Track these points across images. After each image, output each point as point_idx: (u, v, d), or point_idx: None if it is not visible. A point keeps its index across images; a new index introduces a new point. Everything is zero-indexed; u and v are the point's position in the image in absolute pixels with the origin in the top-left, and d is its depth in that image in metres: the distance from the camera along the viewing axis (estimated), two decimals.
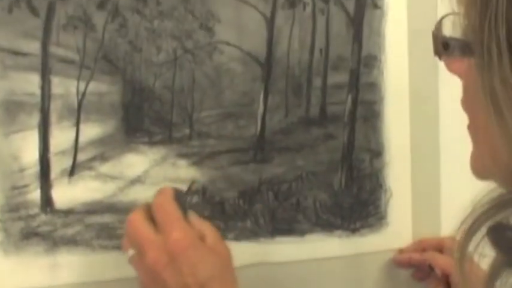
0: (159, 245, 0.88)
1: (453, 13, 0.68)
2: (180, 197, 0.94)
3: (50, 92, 1.01)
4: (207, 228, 0.94)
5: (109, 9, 1.02)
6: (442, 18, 0.71)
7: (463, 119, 1.09)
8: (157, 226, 0.90)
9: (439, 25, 0.71)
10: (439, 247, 1.15)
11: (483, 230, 0.71)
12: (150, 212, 0.92)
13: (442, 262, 1.12)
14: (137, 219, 0.91)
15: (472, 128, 0.73)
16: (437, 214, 1.20)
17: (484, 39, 0.60)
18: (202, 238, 0.92)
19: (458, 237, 0.73)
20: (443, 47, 0.70)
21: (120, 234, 1.03)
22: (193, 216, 0.95)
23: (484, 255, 0.72)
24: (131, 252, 0.91)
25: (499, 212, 0.70)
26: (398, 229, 1.18)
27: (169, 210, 0.91)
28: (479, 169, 0.73)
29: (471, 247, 0.72)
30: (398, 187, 1.17)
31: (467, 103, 0.72)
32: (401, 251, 1.18)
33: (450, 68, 0.74)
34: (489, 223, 0.71)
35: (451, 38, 0.69)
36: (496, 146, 0.65)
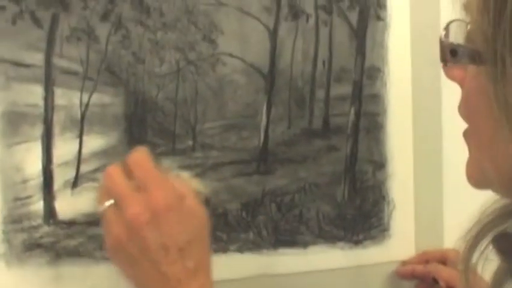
0: (142, 201, 0.85)
1: (461, 20, 0.67)
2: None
3: (53, 103, 1.01)
4: (185, 190, 0.90)
5: (112, 21, 1.02)
6: (449, 23, 0.70)
7: None
8: (138, 183, 0.87)
9: (446, 31, 0.70)
10: (442, 259, 1.15)
11: (488, 239, 0.71)
12: (126, 169, 0.89)
13: (446, 274, 1.12)
14: (117, 173, 0.88)
15: (472, 136, 0.72)
16: (440, 226, 1.20)
17: (497, 49, 0.60)
18: (181, 199, 0.88)
19: (463, 247, 0.73)
20: (451, 54, 0.69)
21: None
22: (171, 176, 0.92)
23: (489, 261, 0.72)
24: (107, 204, 0.87)
25: (504, 222, 0.70)
26: (401, 241, 1.18)
27: (149, 168, 0.88)
28: (478, 177, 0.72)
29: (476, 256, 0.72)
30: (401, 199, 1.17)
31: (469, 110, 0.71)
32: (404, 263, 1.18)
33: (450, 75, 0.73)
34: (494, 232, 0.70)
35: (460, 45, 0.68)
36: (500, 155, 0.65)
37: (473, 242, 0.72)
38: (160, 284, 0.86)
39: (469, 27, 0.66)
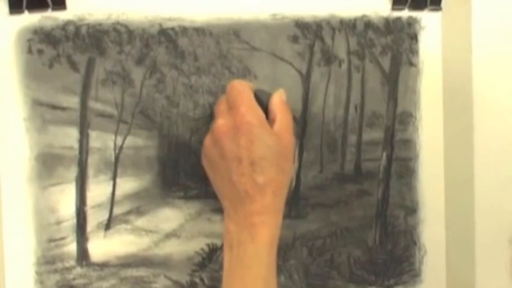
0: (227, 116, 0.94)
1: None
2: (259, 94, 0.97)
3: (87, 145, 1.02)
4: (282, 116, 0.97)
5: (147, 65, 1.04)
6: None
7: (499, 178, 1.09)
8: (229, 104, 0.95)
9: None
10: None
11: None
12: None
13: None
14: (221, 101, 0.97)
15: None
16: (471, 272, 1.19)
17: None
18: (272, 121, 0.96)
19: None
20: None
21: (154, 287, 1.04)
22: (276, 100, 0.98)
23: None
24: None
25: None
26: (433, 286, 1.17)
27: (241, 89, 0.95)
28: None
29: None
30: (433, 244, 1.16)
31: None
32: None
33: None
34: None
35: None
36: None
37: None
38: (229, 192, 0.94)
39: None
